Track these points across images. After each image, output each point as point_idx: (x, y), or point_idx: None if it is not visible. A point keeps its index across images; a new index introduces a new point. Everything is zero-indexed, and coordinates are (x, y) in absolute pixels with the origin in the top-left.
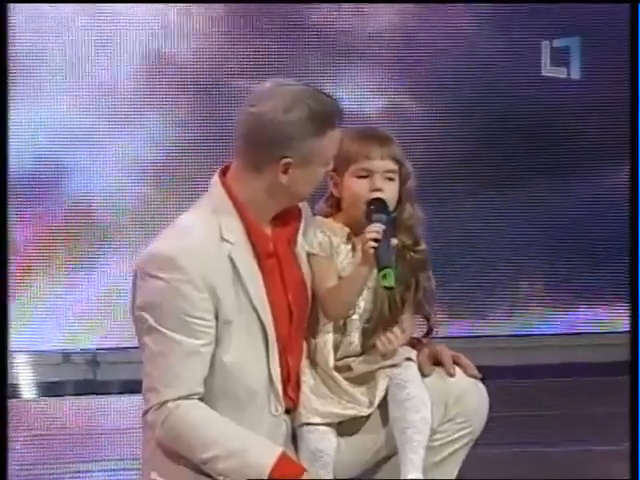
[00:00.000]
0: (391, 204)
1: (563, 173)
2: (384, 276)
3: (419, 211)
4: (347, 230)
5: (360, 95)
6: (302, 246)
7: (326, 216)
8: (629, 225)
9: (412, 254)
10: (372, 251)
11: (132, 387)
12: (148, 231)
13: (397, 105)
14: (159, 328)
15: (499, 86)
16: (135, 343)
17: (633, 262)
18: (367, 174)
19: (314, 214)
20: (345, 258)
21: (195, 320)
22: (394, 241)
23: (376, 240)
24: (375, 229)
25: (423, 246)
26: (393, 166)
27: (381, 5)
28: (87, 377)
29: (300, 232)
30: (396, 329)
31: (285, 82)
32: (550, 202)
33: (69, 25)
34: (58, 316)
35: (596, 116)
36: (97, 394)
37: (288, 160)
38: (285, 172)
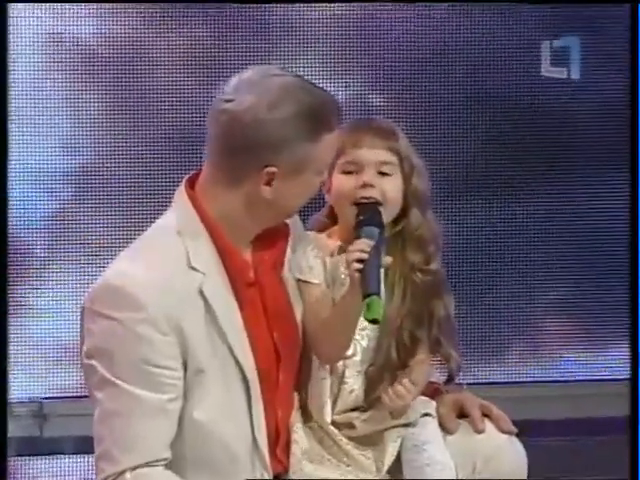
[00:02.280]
0: (390, 206)
1: (561, 183)
2: (368, 306)
3: (433, 220)
4: (345, 248)
5: (351, 94)
6: (291, 271)
7: (321, 230)
8: (629, 256)
9: (421, 276)
10: (357, 275)
11: (87, 446)
12: (103, 258)
13: (391, 107)
14: (114, 380)
15: (498, 86)
16: None
17: (633, 304)
18: (355, 168)
19: (308, 229)
20: (343, 285)
21: (158, 370)
22: (387, 259)
23: (362, 261)
24: (361, 247)
25: (435, 265)
26: (389, 157)
27: (377, 3)
28: (32, 433)
29: (288, 253)
30: (406, 381)
31: (270, 71)
32: (545, 230)
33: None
34: None
35: (596, 117)
36: (44, 455)
37: (272, 169)
38: (268, 184)
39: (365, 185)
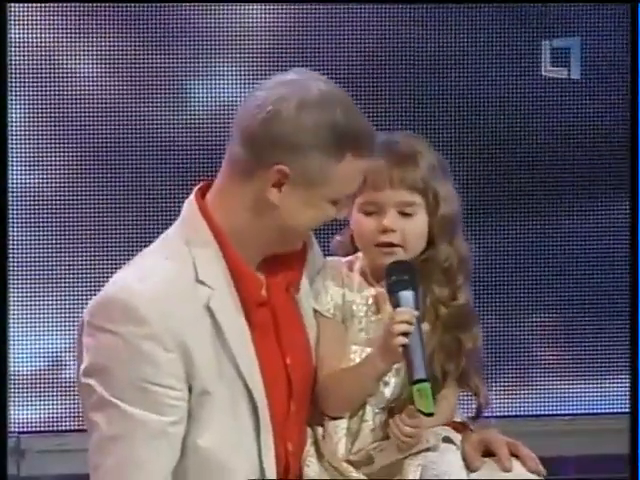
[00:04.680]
0: (413, 248)
1: (559, 188)
2: (419, 393)
3: (462, 246)
4: (367, 283)
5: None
6: (307, 296)
7: (345, 255)
8: (629, 287)
9: (446, 310)
10: (401, 350)
11: None
12: (93, 273)
13: (388, 109)
14: (112, 400)
15: (498, 86)
16: (73, 425)
17: (633, 334)
18: (375, 209)
19: (331, 252)
20: (363, 322)
21: (161, 389)
22: (424, 326)
23: (406, 334)
24: (405, 318)
25: (462, 299)
26: (409, 197)
27: (376, 4)
28: (8, 471)
29: (305, 275)
30: (404, 417)
31: (316, 75)
32: (538, 262)
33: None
34: None
35: (596, 117)
36: None
37: (283, 167)
38: (277, 186)
39: (386, 230)
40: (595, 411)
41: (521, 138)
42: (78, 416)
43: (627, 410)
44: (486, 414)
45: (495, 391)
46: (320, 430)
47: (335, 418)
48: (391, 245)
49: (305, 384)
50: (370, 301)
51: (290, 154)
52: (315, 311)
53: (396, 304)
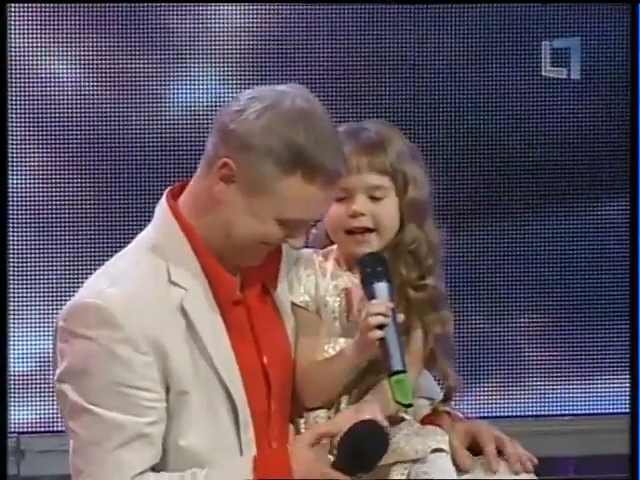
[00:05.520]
0: (385, 231)
1: (559, 188)
2: (397, 385)
3: (432, 232)
4: (341, 271)
5: (347, 96)
6: (285, 291)
7: (322, 247)
8: (629, 288)
9: (414, 292)
10: (378, 343)
11: None
12: (81, 276)
13: (388, 109)
14: (88, 407)
15: (498, 86)
16: None
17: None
18: (345, 194)
19: (307, 245)
20: (336, 312)
21: (137, 392)
22: (400, 317)
23: (382, 326)
24: (380, 310)
25: (431, 280)
26: (380, 180)
27: (376, 4)
28: (8, 471)
29: (282, 273)
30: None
31: (306, 94)
32: (539, 260)
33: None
34: None
35: (596, 117)
36: None
37: (228, 161)
38: (225, 181)
39: (356, 214)
40: (595, 411)
41: (521, 138)
42: None
43: (627, 410)
44: (486, 414)
45: (495, 391)
46: (301, 423)
47: (314, 408)
48: (364, 230)
49: (284, 383)
50: (342, 292)
51: (239, 150)
52: (291, 302)
53: (371, 296)
